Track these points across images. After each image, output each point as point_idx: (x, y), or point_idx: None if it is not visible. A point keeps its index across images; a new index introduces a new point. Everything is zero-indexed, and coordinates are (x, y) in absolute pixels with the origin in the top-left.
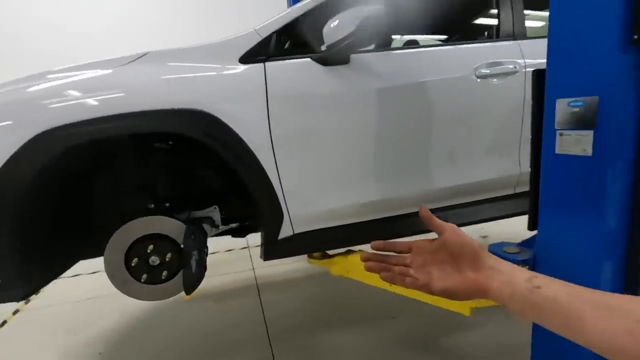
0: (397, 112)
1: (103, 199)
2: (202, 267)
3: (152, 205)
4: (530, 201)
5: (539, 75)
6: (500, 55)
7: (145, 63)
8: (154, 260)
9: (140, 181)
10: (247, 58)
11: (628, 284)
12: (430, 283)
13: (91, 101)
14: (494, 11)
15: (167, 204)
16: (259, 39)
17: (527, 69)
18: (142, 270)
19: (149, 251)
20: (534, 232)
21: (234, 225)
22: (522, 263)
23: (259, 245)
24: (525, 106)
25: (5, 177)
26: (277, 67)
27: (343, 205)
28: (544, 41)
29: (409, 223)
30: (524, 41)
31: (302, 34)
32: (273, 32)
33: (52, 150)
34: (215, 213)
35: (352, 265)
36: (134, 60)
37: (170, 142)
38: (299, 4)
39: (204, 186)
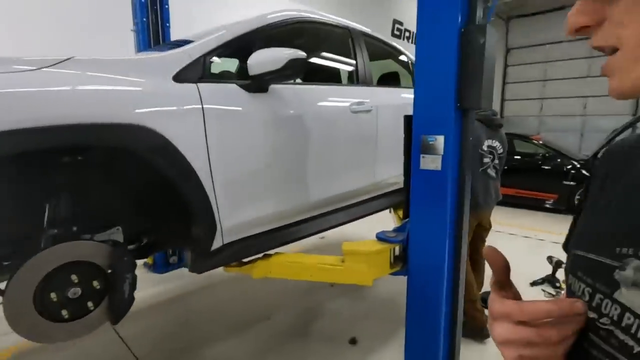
0: (301, 135)
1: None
2: (133, 291)
3: (55, 231)
4: (405, 199)
5: (409, 119)
6: (361, 96)
7: (73, 70)
8: (75, 291)
9: (40, 201)
10: (180, 77)
11: (455, 249)
12: None
13: (24, 111)
14: (354, 62)
15: (75, 228)
16: (190, 59)
17: (377, 108)
18: (60, 306)
19: (71, 282)
20: (400, 223)
21: (133, 246)
22: (399, 242)
23: None
24: (377, 134)
25: None
26: (209, 89)
27: (263, 214)
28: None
29: (313, 225)
30: (373, 88)
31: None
32: (202, 55)
33: None
34: (118, 234)
35: (273, 265)
36: (58, 63)
37: (80, 157)
38: (223, 31)
39: (106, 206)
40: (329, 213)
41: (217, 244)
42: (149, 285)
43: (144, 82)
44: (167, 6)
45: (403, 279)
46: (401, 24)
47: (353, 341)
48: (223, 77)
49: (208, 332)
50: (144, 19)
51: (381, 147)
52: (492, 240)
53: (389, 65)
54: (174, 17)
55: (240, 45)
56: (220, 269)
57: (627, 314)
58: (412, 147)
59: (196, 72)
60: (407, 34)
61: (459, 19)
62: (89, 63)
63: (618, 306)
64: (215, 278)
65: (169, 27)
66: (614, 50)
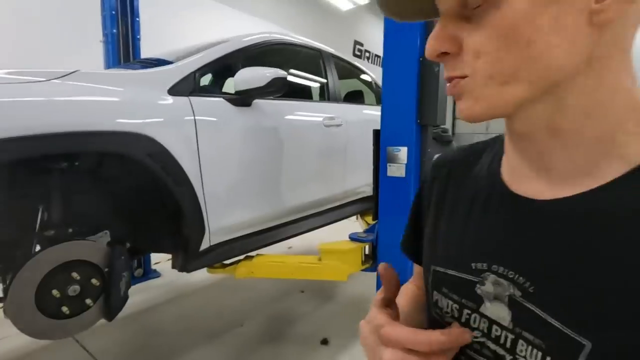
0: (280, 146)
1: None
2: (128, 289)
3: (52, 232)
4: (374, 203)
5: (377, 133)
6: (332, 111)
7: (80, 82)
8: (75, 289)
9: (35, 205)
10: (174, 90)
11: None
12: None
13: (39, 117)
14: (325, 80)
15: (70, 230)
16: (182, 75)
17: (346, 123)
18: (60, 303)
19: (72, 280)
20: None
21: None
22: (369, 241)
23: None
24: (347, 147)
25: None
26: (200, 102)
27: (246, 218)
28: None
29: (291, 228)
30: (342, 104)
31: (216, 76)
32: (193, 71)
33: None
34: (105, 238)
35: (256, 266)
36: (66, 75)
37: (65, 164)
38: (212, 49)
39: (96, 210)
40: (305, 218)
41: (205, 245)
42: None
43: (143, 94)
44: (137, 19)
45: (370, 280)
46: (362, 45)
47: (325, 341)
48: (209, 91)
49: (180, 342)
50: (114, 31)
51: (350, 159)
52: None
53: (353, 84)
54: (144, 30)
55: (224, 64)
56: (189, 278)
57: (495, 327)
58: (380, 157)
59: (188, 86)
60: (367, 54)
61: (418, 50)
62: (93, 76)
63: (485, 320)
64: (182, 289)
65: (139, 39)
66: (464, 76)
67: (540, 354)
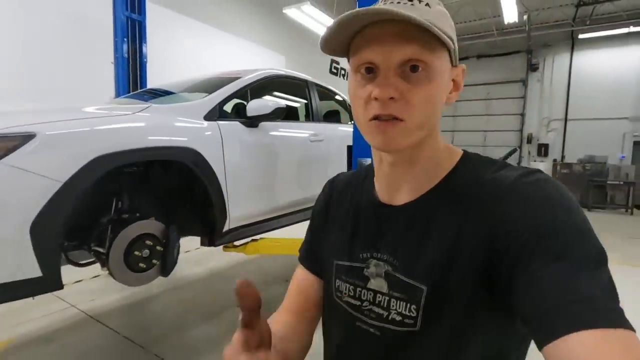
0: (279, 156)
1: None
2: (178, 255)
3: (127, 215)
4: None
5: (350, 147)
6: (316, 130)
7: (153, 113)
8: (146, 252)
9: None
10: (208, 117)
11: None
12: None
13: (135, 138)
14: (309, 104)
15: (137, 214)
16: (212, 105)
17: (327, 138)
18: (138, 261)
19: (145, 246)
20: None
21: None
22: None
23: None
24: (328, 157)
25: (68, 188)
26: (225, 125)
27: (255, 210)
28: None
29: (286, 219)
30: (323, 124)
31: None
32: (219, 102)
33: (103, 169)
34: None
35: (261, 246)
36: (142, 110)
37: (135, 168)
38: (231, 85)
39: (147, 202)
40: (296, 212)
41: (226, 227)
42: (117, 291)
43: (190, 120)
44: (145, 44)
45: None
46: (338, 63)
47: None
48: (228, 116)
49: (181, 321)
50: (125, 55)
51: (329, 166)
52: None
53: (330, 104)
54: (150, 54)
55: (239, 94)
56: (184, 272)
57: (378, 295)
58: (352, 166)
59: (215, 113)
60: (342, 71)
61: None
62: (159, 109)
63: (371, 292)
64: (178, 281)
65: (146, 62)
66: (401, 118)
67: (403, 303)
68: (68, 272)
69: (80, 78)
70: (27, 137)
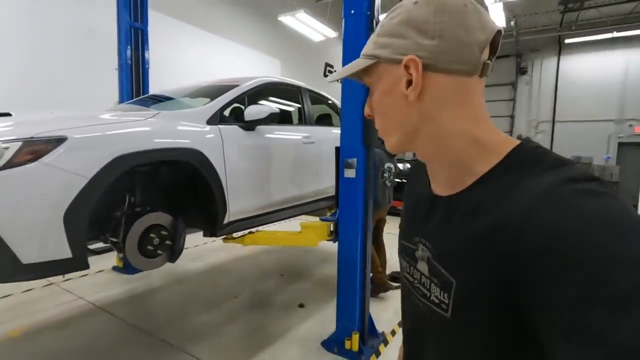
0: (274, 157)
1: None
2: (184, 244)
3: (139, 209)
4: (336, 195)
5: (338, 149)
6: (308, 132)
7: (163, 119)
8: (157, 240)
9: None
10: (210, 121)
11: (364, 225)
12: None
13: (148, 140)
14: (302, 108)
15: (148, 208)
16: (214, 110)
17: (318, 140)
18: (150, 247)
19: (156, 234)
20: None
21: None
22: (333, 220)
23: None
24: (319, 158)
25: (93, 183)
26: (225, 128)
27: (251, 205)
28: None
29: (280, 214)
30: (315, 127)
31: (233, 110)
32: (220, 108)
33: (122, 167)
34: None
35: (258, 238)
36: (154, 116)
37: (146, 167)
38: (231, 92)
39: (154, 197)
40: (290, 207)
41: (226, 220)
42: (121, 285)
43: (195, 125)
44: (147, 50)
45: (332, 266)
46: (332, 66)
47: (301, 305)
48: (228, 120)
49: (184, 310)
50: (128, 62)
51: (322, 166)
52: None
53: (323, 108)
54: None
55: (238, 100)
56: (185, 266)
57: (423, 277)
58: (340, 165)
59: (216, 118)
60: None
61: (362, 98)
62: (168, 115)
63: (418, 272)
64: (180, 275)
65: (148, 68)
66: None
67: (438, 289)
68: None
69: (83, 84)
70: (60, 140)
